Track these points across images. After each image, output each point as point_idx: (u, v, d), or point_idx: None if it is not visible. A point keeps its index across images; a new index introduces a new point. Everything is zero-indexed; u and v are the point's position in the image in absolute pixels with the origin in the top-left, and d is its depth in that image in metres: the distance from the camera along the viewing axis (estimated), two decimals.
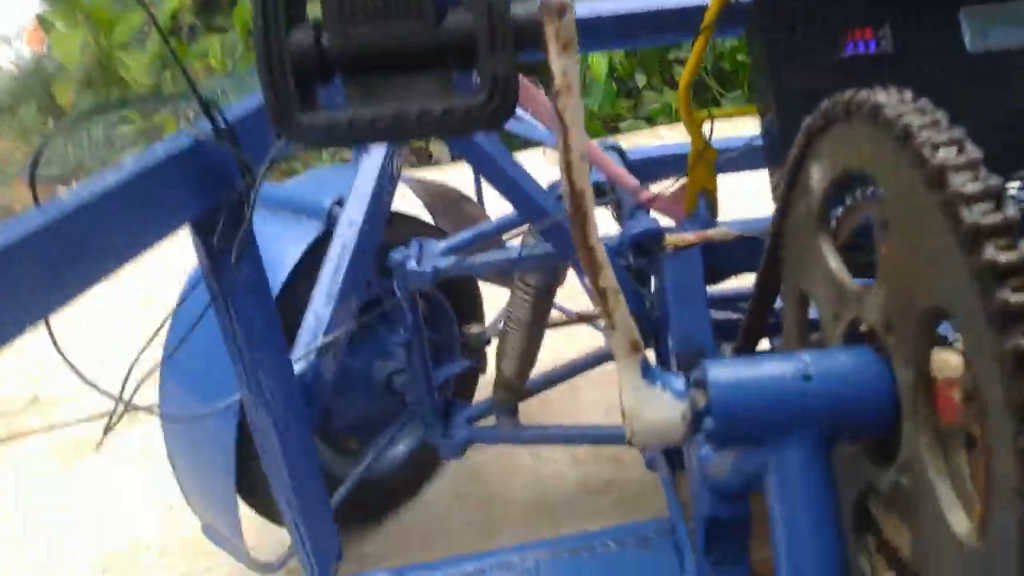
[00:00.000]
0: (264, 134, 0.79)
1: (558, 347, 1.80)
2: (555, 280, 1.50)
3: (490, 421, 1.65)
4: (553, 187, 1.45)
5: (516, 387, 1.58)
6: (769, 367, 0.64)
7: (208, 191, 0.73)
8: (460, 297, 1.81)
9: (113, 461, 2.03)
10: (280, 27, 0.57)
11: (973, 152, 0.50)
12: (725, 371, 0.64)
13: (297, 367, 0.96)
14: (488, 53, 0.57)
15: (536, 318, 1.52)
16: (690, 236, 1.15)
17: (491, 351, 1.68)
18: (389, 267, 1.45)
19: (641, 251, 1.23)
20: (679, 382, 0.66)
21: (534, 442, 1.75)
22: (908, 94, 0.59)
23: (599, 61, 4.97)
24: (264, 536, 1.58)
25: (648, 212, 1.30)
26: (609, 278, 0.62)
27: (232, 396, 0.91)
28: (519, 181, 1.25)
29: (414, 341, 1.55)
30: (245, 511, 1.40)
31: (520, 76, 1.29)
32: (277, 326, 0.86)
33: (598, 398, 1.99)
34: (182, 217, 0.72)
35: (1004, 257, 0.45)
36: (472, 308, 1.85)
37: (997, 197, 0.48)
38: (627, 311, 0.62)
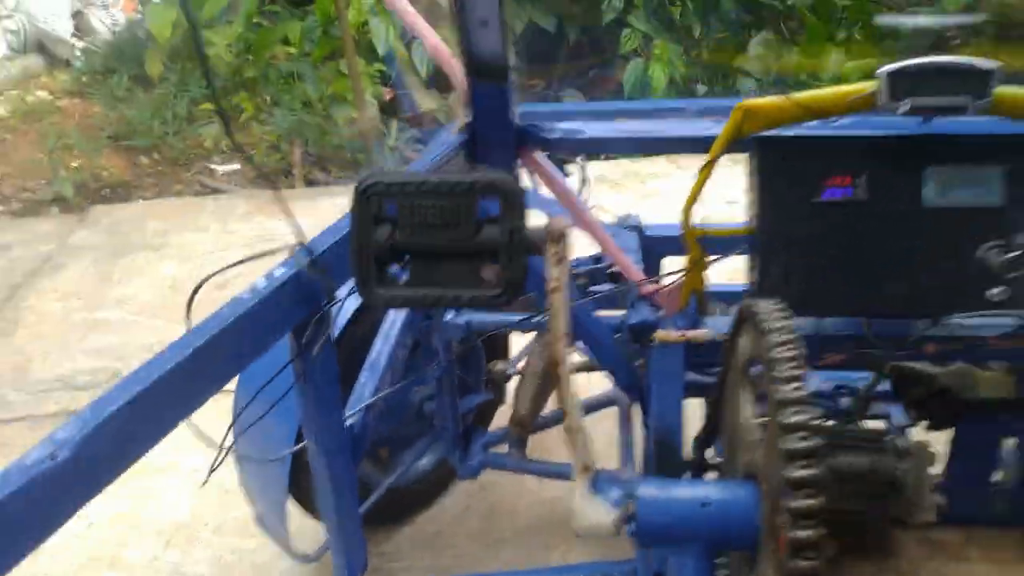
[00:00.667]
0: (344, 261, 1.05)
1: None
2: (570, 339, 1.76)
3: (503, 447, 1.92)
4: (577, 262, 1.70)
5: (527, 425, 1.85)
6: (681, 491, 0.89)
7: (304, 306, 1.00)
8: (491, 337, 2.07)
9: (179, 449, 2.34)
10: (369, 229, 0.84)
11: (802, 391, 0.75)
12: (650, 490, 0.89)
13: (348, 421, 1.24)
14: (507, 262, 0.83)
15: (548, 370, 1.78)
16: (675, 334, 1.39)
17: (512, 384, 1.94)
18: (430, 315, 1.72)
19: (635, 337, 1.48)
20: (616, 494, 0.92)
21: (537, 474, 2.01)
22: (781, 320, 0.83)
23: (660, 70, 5.32)
24: (306, 528, 1.87)
25: (648, 302, 1.55)
26: (575, 420, 0.88)
27: (294, 444, 1.19)
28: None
29: (446, 376, 1.82)
30: (292, 506, 1.69)
31: (545, 159, 1.58)
32: (338, 398, 1.13)
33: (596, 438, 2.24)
34: (285, 328, 0.99)
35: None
36: (500, 346, 2.12)
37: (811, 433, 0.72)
38: (586, 443, 0.88)
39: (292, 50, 5.25)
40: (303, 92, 5.09)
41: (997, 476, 1.73)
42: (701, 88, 5.65)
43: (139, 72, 5.48)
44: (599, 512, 0.91)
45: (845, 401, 1.65)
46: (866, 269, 1.28)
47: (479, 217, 0.84)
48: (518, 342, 2.16)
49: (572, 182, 2.10)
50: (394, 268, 0.89)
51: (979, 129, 1.30)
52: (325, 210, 2.58)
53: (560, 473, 1.93)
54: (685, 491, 0.89)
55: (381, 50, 5.10)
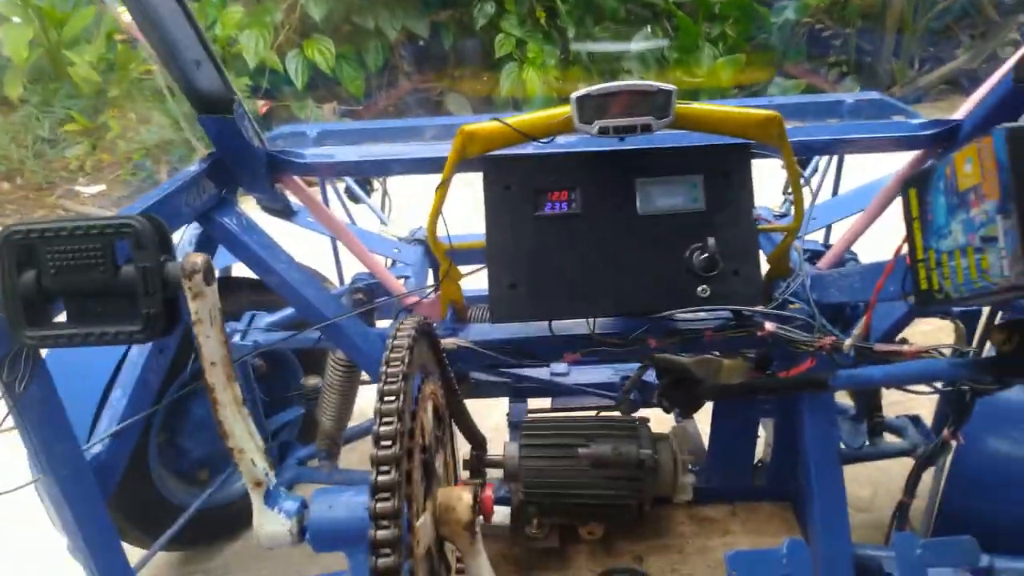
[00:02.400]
0: None
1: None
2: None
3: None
4: (354, 279, 1.77)
5: (335, 438, 1.91)
6: (347, 499, 0.97)
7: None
8: (308, 352, 2.12)
9: None
10: (13, 275, 0.88)
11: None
12: (320, 500, 0.97)
13: (93, 450, 1.27)
14: (144, 298, 0.88)
15: (346, 384, 1.84)
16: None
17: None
18: None
19: None
20: (293, 506, 0.98)
21: (345, 483, 2.07)
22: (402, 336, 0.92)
23: (534, 74, 5.45)
24: None
25: (412, 314, 1.62)
26: (237, 440, 0.94)
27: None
28: (296, 285, 1.50)
29: (247, 396, 1.86)
30: None
31: (303, 183, 1.64)
32: (67, 429, 1.16)
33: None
34: None
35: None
36: (318, 359, 2.16)
37: None
38: (254, 459, 0.95)
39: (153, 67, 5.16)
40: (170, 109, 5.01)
41: (759, 455, 1.88)
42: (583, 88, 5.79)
43: None
44: (276, 523, 0.97)
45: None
46: (588, 274, 1.38)
47: (128, 258, 0.90)
48: None
49: (376, 199, 2.19)
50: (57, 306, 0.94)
51: (675, 142, 1.42)
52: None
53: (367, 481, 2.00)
54: (352, 499, 0.97)
55: (252, 63, 5.10)
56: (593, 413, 1.83)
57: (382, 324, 1.79)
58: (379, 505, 0.79)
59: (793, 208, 2.06)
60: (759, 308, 1.38)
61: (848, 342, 1.23)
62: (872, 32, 6.29)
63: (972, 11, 6.76)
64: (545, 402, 2.02)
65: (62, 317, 0.95)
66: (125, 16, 1.56)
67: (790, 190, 2.06)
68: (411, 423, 0.89)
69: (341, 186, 2.08)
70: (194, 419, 1.92)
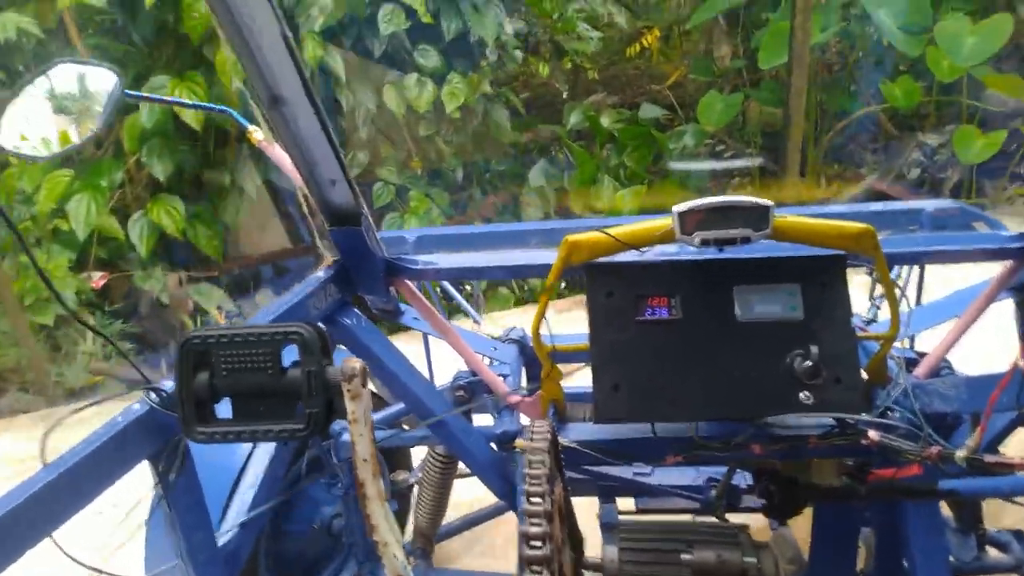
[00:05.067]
0: None
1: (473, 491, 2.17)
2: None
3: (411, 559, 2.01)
4: (455, 377, 1.85)
5: (429, 535, 1.95)
6: None
7: (159, 438, 1.13)
8: (391, 450, 2.19)
9: None
10: (189, 377, 0.98)
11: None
12: None
13: (223, 539, 1.35)
14: (308, 400, 0.97)
15: (443, 480, 1.90)
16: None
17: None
18: (330, 435, 1.84)
19: (501, 445, 1.62)
20: None
21: None
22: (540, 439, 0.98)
23: (415, 222, 5.12)
24: None
25: (514, 413, 1.69)
26: (383, 535, 1.00)
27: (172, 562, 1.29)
28: (408, 383, 1.61)
29: (351, 492, 1.92)
30: None
31: (412, 285, 1.75)
32: (205, 519, 1.25)
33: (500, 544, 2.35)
34: (139, 458, 1.11)
35: None
36: (402, 457, 2.23)
37: None
38: (395, 555, 1.00)
39: None
40: None
41: (859, 564, 1.83)
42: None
43: None
44: None
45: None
46: (690, 378, 1.43)
47: (294, 362, 0.99)
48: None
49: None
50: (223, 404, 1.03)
51: (772, 251, 1.48)
52: None
53: None
54: None
55: (82, 234, 4.49)
56: (687, 517, 1.83)
57: (477, 421, 1.85)
58: None
59: (876, 314, 2.10)
60: (865, 417, 1.40)
61: (961, 454, 1.24)
62: (774, 151, 6.25)
63: (872, 127, 6.88)
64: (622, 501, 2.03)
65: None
66: (256, 134, 1.74)
67: (876, 295, 2.11)
68: (551, 524, 0.94)
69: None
70: (294, 515, 1.99)
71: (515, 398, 1.68)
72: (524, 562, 0.85)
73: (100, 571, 1.12)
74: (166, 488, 1.18)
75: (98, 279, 4.73)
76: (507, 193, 5.92)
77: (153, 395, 1.12)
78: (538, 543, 0.85)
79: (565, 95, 6.74)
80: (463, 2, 5.23)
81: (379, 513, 1.01)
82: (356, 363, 0.98)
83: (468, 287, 2.31)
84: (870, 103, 6.67)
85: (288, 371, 0.99)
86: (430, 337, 2.00)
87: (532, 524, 0.86)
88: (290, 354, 1.00)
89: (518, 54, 5.89)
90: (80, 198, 4.54)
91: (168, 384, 1.14)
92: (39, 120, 1.53)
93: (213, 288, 5.17)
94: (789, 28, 5.02)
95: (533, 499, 0.88)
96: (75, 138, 1.47)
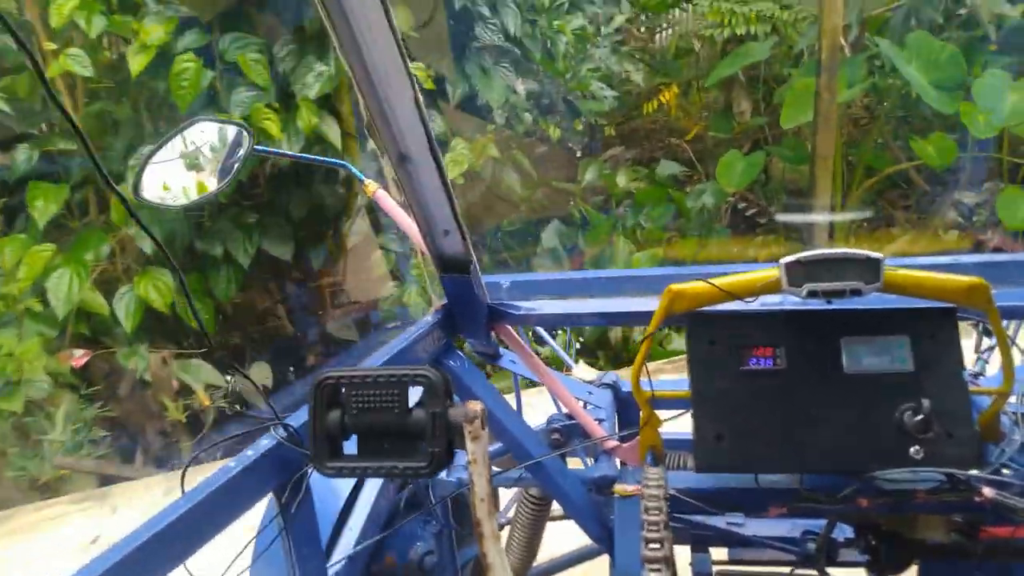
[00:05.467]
0: None
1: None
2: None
3: None
4: (550, 420, 1.88)
5: (520, 574, 1.97)
6: None
7: (284, 472, 1.20)
8: None
9: None
10: (323, 414, 1.05)
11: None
12: None
13: (332, 571, 1.41)
14: (431, 440, 1.03)
15: (535, 522, 1.92)
16: (630, 488, 1.54)
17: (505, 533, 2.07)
18: None
19: (598, 490, 1.63)
20: None
21: None
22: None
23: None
24: None
25: (611, 457, 1.71)
26: (496, 571, 1.04)
27: None
28: (508, 424, 1.66)
29: (444, 531, 1.97)
30: None
31: (512, 330, 1.81)
32: (320, 552, 1.31)
33: None
34: (266, 490, 1.19)
35: None
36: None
37: None
38: None
39: None
40: None
41: None
42: None
43: None
44: None
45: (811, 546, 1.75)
46: (793, 429, 1.42)
47: (418, 402, 1.05)
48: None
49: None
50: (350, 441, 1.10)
51: (882, 304, 1.47)
52: None
53: None
54: None
55: (61, 312, 4.24)
56: (785, 569, 1.79)
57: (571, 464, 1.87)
58: None
59: (984, 367, 2.03)
60: (979, 473, 1.36)
61: None
62: (799, 208, 6.12)
63: (901, 183, 6.51)
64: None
65: None
66: (371, 186, 1.84)
67: (983, 348, 2.04)
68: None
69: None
70: (391, 553, 2.03)
71: (613, 443, 1.70)
72: None
73: None
74: (287, 520, 1.25)
75: (79, 357, 4.44)
76: (520, 255, 5.70)
77: (281, 430, 1.19)
78: None
79: (579, 154, 6.43)
80: (469, 64, 4.96)
81: (494, 551, 1.05)
82: (478, 406, 1.03)
83: (562, 332, 2.35)
84: (899, 159, 6.41)
85: (413, 411, 1.05)
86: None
87: (652, 571, 0.88)
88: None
89: (527, 116, 5.58)
90: (62, 273, 4.29)
91: (295, 420, 1.22)
92: (176, 174, 1.67)
93: (202, 364, 4.89)
94: (814, 86, 4.83)
95: (651, 545, 0.90)
96: (212, 187, 1.59)
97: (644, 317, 1.51)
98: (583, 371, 2.15)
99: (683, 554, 2.04)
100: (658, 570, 0.88)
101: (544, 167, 6.14)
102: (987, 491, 1.34)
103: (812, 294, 1.35)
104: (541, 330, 2.28)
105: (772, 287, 1.39)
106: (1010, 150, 5.91)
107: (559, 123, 6.04)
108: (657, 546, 0.90)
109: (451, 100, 5.01)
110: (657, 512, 0.95)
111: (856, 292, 1.34)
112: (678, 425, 1.61)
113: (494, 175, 5.25)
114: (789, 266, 1.35)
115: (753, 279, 1.42)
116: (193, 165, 1.68)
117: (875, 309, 1.47)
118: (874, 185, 6.40)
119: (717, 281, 1.44)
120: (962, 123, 5.59)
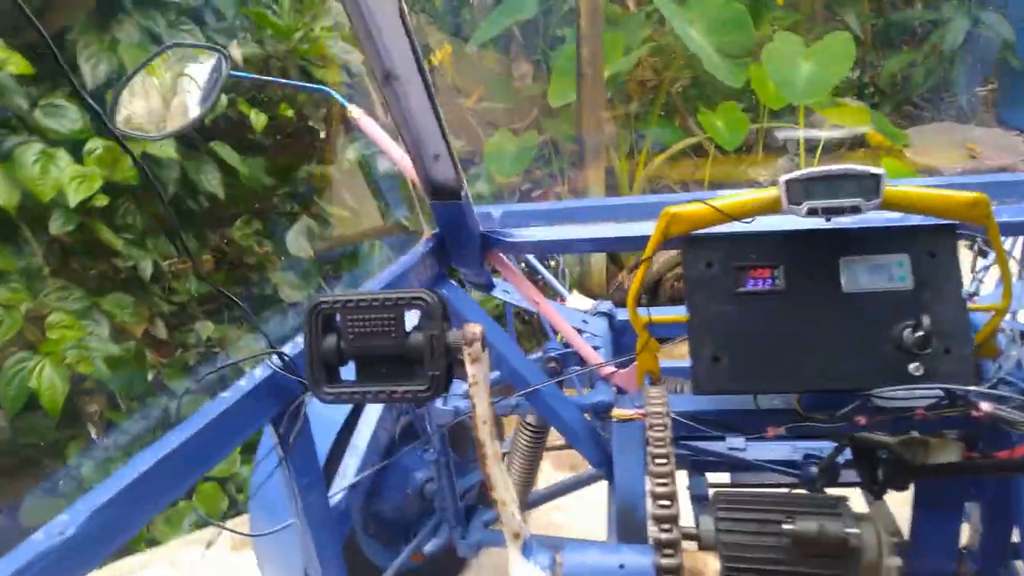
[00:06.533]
0: None
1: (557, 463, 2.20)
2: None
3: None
4: (546, 349, 1.87)
5: (520, 502, 1.99)
6: (599, 555, 1.03)
7: (279, 401, 1.19)
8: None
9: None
10: (318, 340, 1.03)
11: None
12: (574, 556, 1.04)
13: (334, 500, 1.41)
14: (430, 361, 1.01)
15: (534, 449, 1.93)
16: (630, 412, 1.54)
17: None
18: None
19: (597, 415, 1.63)
20: (545, 559, 1.06)
21: None
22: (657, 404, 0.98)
23: None
24: None
25: (608, 384, 1.70)
26: (501, 492, 1.03)
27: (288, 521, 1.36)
28: (504, 352, 1.65)
29: (441, 459, 1.98)
30: None
31: (506, 258, 1.78)
32: (320, 480, 1.31)
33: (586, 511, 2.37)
34: (263, 420, 1.17)
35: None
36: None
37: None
38: (514, 512, 1.03)
39: None
40: None
41: (963, 539, 1.79)
42: None
43: None
44: (533, 574, 1.05)
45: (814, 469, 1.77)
46: (792, 350, 1.41)
47: (416, 326, 1.03)
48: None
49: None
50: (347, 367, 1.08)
51: (879, 221, 1.45)
52: None
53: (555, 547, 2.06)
54: (604, 555, 1.03)
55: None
56: (783, 489, 1.81)
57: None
58: (664, 561, 0.85)
59: (978, 287, 2.02)
60: (977, 388, 1.37)
61: None
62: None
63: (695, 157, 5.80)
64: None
65: None
66: (354, 112, 1.78)
67: (978, 268, 2.04)
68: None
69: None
70: (390, 481, 2.05)
71: (609, 369, 1.69)
72: (654, 520, 0.86)
73: (223, 526, 1.19)
74: (285, 450, 1.24)
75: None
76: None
77: (276, 359, 1.17)
78: (666, 502, 0.87)
79: (323, 134, 4.49)
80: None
81: (497, 473, 1.04)
82: (476, 328, 1.01)
83: (553, 262, 2.33)
84: (692, 130, 5.64)
85: (410, 335, 1.02)
86: None
87: (659, 484, 0.88)
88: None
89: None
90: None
91: (289, 349, 1.20)
92: (150, 102, 1.60)
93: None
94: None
95: (658, 460, 0.89)
96: (191, 114, 1.53)
97: (640, 242, 1.49)
98: (577, 300, 2.13)
99: (681, 480, 2.07)
100: (665, 484, 0.88)
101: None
102: (985, 406, 1.35)
103: (812, 212, 1.32)
104: (533, 260, 2.25)
105: (771, 206, 1.37)
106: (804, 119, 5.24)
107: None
108: (664, 460, 0.90)
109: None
110: (662, 428, 0.94)
111: (856, 209, 1.32)
112: (673, 356, 1.61)
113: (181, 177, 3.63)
114: (789, 184, 1.32)
115: (752, 199, 1.39)
116: (170, 92, 1.61)
117: (874, 227, 1.45)
118: (668, 161, 5.56)
119: (715, 202, 1.41)
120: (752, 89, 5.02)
